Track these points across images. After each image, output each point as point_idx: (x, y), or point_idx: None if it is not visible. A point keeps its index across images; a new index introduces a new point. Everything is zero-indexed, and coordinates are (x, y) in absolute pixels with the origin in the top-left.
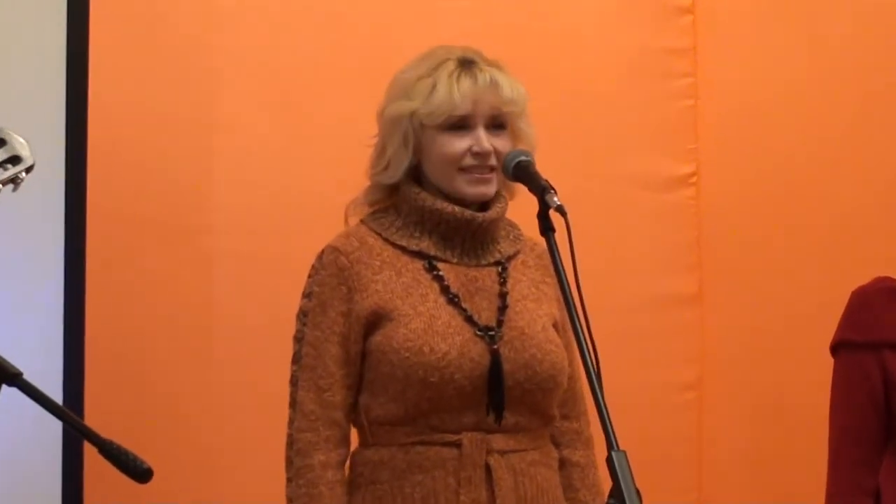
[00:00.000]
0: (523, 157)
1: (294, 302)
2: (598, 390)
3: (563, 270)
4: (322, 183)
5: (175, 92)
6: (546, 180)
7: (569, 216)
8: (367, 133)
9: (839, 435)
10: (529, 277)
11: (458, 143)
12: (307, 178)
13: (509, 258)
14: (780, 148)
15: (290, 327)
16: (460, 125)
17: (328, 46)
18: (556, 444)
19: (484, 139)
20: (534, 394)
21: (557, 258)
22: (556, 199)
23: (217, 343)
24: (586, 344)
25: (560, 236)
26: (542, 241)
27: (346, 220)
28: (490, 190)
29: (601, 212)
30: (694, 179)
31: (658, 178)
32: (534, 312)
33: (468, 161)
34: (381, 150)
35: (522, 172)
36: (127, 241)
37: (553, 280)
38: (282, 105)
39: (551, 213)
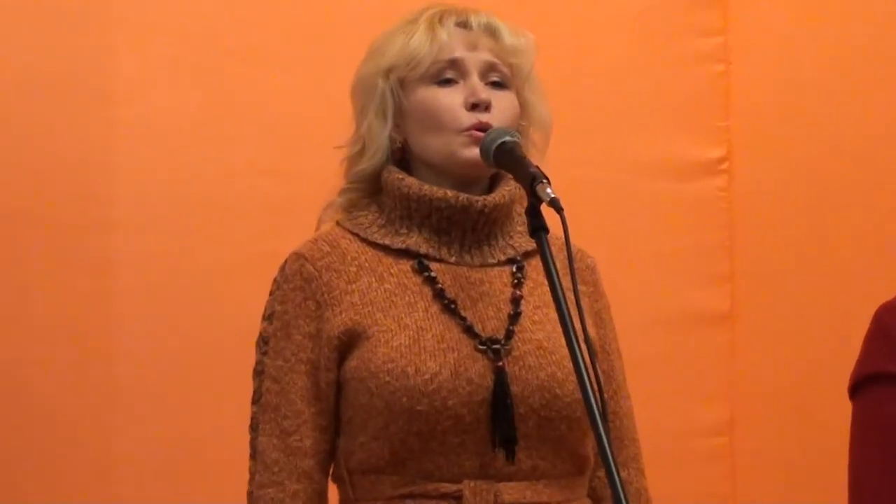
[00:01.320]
0: (508, 138)
1: (212, 314)
2: (602, 433)
3: (559, 281)
4: (253, 170)
5: (64, 56)
6: (537, 167)
7: (565, 213)
8: (313, 111)
9: (871, 499)
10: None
11: (450, 96)
12: (233, 164)
13: (527, 255)
14: (833, 124)
15: (206, 343)
16: (449, 77)
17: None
18: (597, 501)
19: (480, 88)
20: (555, 425)
21: (551, 264)
22: (549, 190)
23: (118, 362)
24: (587, 374)
25: (555, 238)
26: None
27: (317, 227)
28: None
29: (608, 207)
30: (725, 166)
31: (680, 164)
32: (557, 325)
33: (464, 119)
34: (354, 133)
35: (506, 157)
36: (6, 241)
37: (590, 291)
38: (201, 71)
39: (543, 208)
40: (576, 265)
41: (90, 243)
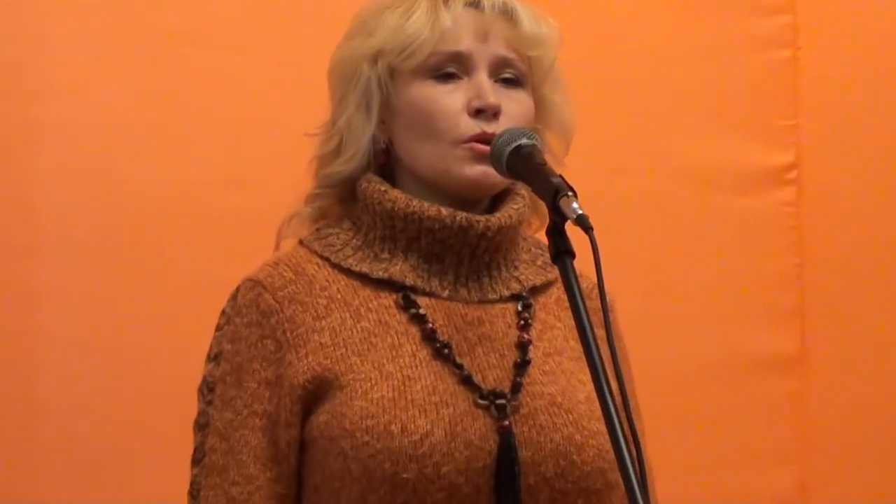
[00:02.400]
0: (525, 140)
1: (150, 354)
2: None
3: (587, 316)
4: (204, 180)
5: None
6: (560, 176)
7: (595, 233)
8: (280, 106)
9: None
10: (568, 325)
11: (450, 97)
12: (179, 173)
13: (535, 291)
14: None
15: (142, 389)
16: (451, 71)
17: None
18: None
19: (488, 89)
20: (570, 499)
21: (578, 296)
22: (575, 205)
23: (39, 416)
24: (621, 430)
25: (583, 263)
26: (591, 272)
27: (276, 245)
28: (495, 172)
29: (647, 226)
30: (792, 175)
31: (737, 173)
32: (573, 376)
33: (465, 127)
34: (329, 125)
35: (523, 163)
36: None
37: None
38: (138, 60)
39: (568, 226)
40: (593, 303)
41: (8, 268)
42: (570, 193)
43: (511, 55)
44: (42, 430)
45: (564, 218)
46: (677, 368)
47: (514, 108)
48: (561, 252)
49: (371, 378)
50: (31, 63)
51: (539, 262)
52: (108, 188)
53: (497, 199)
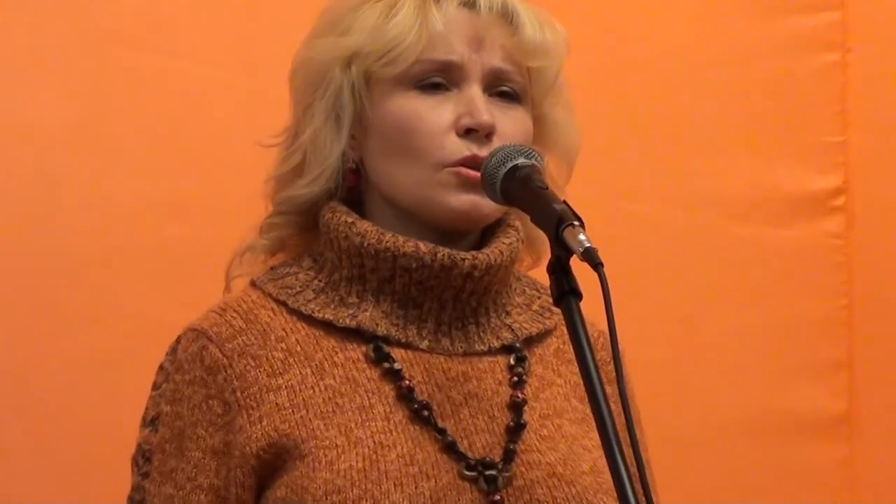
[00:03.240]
0: (522, 160)
1: (78, 410)
2: None
3: (597, 370)
4: (149, 205)
5: None
6: (564, 202)
7: (606, 269)
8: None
9: None
10: (570, 381)
11: (435, 112)
12: (118, 198)
13: (530, 342)
14: None
15: (69, 456)
16: (438, 82)
17: None
18: None
19: (481, 105)
20: None
21: (586, 345)
22: (582, 237)
23: None
24: (633, 497)
25: (591, 305)
26: (598, 319)
27: (227, 286)
28: (486, 201)
29: (671, 261)
30: (841, 201)
31: (777, 199)
32: (576, 441)
33: (452, 148)
34: (290, 139)
35: (520, 187)
36: None
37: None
38: (72, 64)
39: (574, 262)
40: (600, 354)
41: None
42: (576, 223)
43: (509, 67)
44: None
45: (570, 252)
46: (703, 431)
47: (510, 127)
48: (565, 292)
49: (337, 445)
50: None
51: (535, 307)
52: (27, 212)
53: (486, 231)
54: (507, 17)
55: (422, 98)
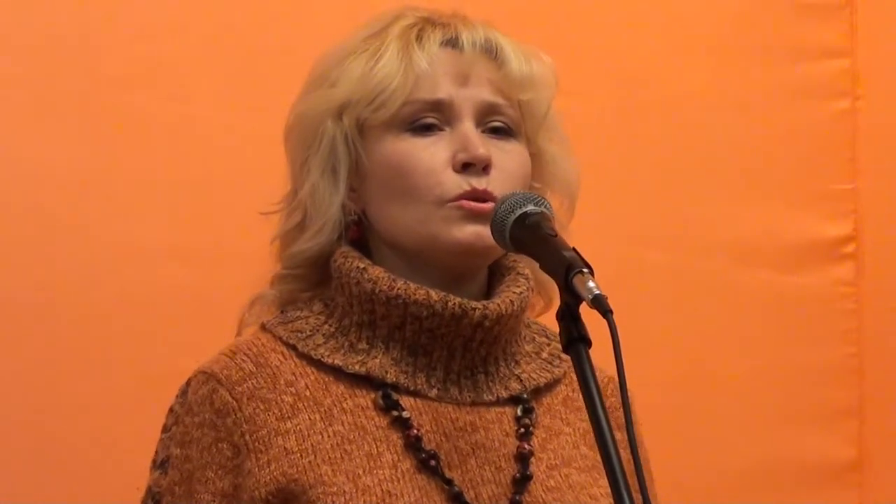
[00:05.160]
0: (531, 207)
1: (88, 456)
2: None
3: (606, 417)
4: (152, 250)
5: None
6: (575, 250)
7: (615, 317)
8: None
9: None
10: (578, 429)
11: (429, 152)
12: (123, 241)
13: (538, 392)
14: None
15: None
16: (430, 122)
17: None
18: None
19: (475, 139)
20: None
21: (595, 392)
22: (592, 284)
23: None
24: None
25: (600, 352)
26: (607, 365)
27: (238, 333)
28: (490, 234)
29: (680, 308)
30: (851, 248)
31: (785, 246)
32: (584, 491)
33: (451, 184)
34: (291, 197)
35: (530, 235)
36: None
37: (624, 438)
38: (74, 107)
39: (583, 309)
40: (609, 401)
41: None
42: (585, 270)
43: (500, 100)
44: None
45: (579, 299)
46: (712, 479)
47: (507, 161)
48: (574, 339)
49: (345, 492)
50: None
51: (545, 355)
52: (33, 260)
53: (494, 277)
54: (491, 52)
55: (415, 139)
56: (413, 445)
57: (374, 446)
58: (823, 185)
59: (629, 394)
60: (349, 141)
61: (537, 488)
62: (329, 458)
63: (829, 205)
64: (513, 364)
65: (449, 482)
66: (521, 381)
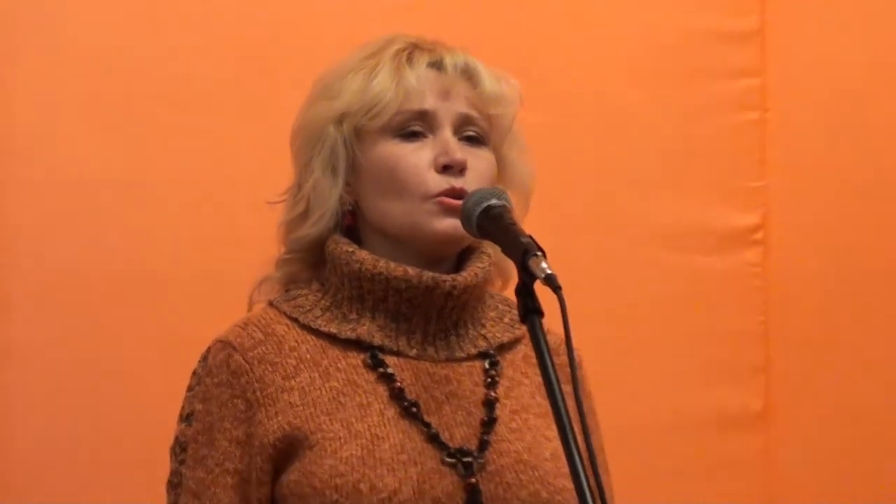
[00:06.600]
0: (494, 201)
1: (125, 412)
2: None
3: (555, 372)
4: (180, 238)
5: None
6: (530, 237)
7: (564, 292)
8: (258, 168)
9: None
10: (535, 381)
11: (416, 155)
12: (156, 232)
13: (502, 349)
14: (894, 186)
15: (117, 451)
16: (416, 130)
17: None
18: None
19: (454, 145)
20: None
21: (546, 355)
22: (544, 265)
23: (14, 473)
24: (588, 487)
25: (552, 319)
26: (559, 329)
27: (249, 308)
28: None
29: (615, 284)
30: (759, 235)
31: (704, 233)
32: (539, 432)
33: (433, 183)
34: (294, 190)
35: (493, 223)
36: None
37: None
38: (118, 118)
39: (537, 286)
40: (560, 359)
41: None
42: (539, 253)
43: (473, 113)
44: (16, 491)
45: (533, 277)
46: (644, 426)
47: (479, 164)
48: (530, 311)
49: (340, 437)
50: (8, 118)
51: (507, 319)
52: (83, 246)
53: (462, 258)
54: (469, 74)
55: (403, 144)
56: (397, 396)
57: (364, 398)
58: (738, 182)
59: (578, 356)
60: (347, 144)
61: (502, 429)
62: (326, 409)
63: (742, 199)
64: (479, 326)
65: (427, 425)
66: (487, 339)
